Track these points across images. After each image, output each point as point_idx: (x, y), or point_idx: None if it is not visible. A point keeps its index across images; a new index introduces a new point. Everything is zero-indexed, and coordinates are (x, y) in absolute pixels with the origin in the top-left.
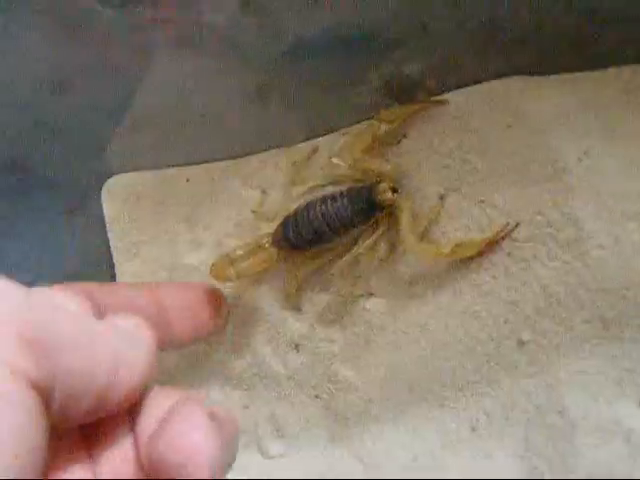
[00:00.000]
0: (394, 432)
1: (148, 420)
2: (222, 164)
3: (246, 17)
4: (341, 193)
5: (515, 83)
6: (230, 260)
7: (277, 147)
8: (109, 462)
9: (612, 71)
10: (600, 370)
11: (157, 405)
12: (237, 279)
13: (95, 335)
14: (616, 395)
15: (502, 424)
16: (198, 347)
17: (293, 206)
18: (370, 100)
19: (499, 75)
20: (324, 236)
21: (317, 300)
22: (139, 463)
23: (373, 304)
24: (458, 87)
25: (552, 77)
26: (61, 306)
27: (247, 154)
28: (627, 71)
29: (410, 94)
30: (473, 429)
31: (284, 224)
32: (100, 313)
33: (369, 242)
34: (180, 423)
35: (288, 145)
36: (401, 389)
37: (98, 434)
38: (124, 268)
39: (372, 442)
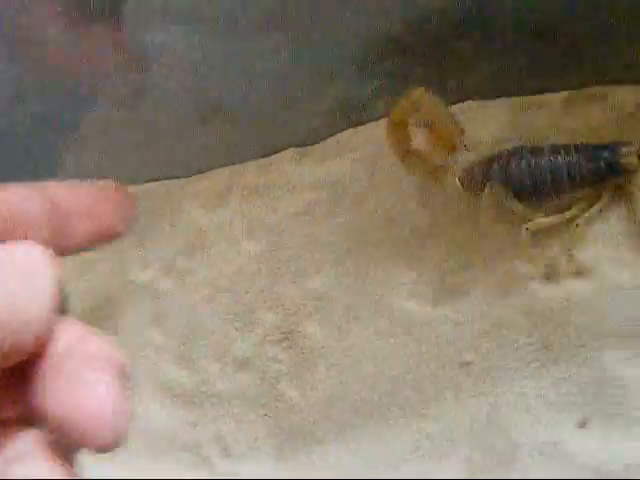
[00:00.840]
0: (338, 453)
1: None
2: (173, 182)
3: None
4: (576, 146)
5: None
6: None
7: (227, 165)
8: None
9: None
10: (541, 392)
11: (58, 338)
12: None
13: None
14: (556, 418)
15: (445, 445)
16: (143, 362)
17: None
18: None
19: None
20: (539, 190)
21: (265, 318)
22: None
23: (314, 327)
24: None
25: None
26: None
27: (198, 172)
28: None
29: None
30: (417, 449)
31: (493, 161)
32: None
33: (591, 212)
34: (86, 379)
35: (239, 162)
36: (345, 410)
37: None
38: (75, 284)
39: (319, 461)
